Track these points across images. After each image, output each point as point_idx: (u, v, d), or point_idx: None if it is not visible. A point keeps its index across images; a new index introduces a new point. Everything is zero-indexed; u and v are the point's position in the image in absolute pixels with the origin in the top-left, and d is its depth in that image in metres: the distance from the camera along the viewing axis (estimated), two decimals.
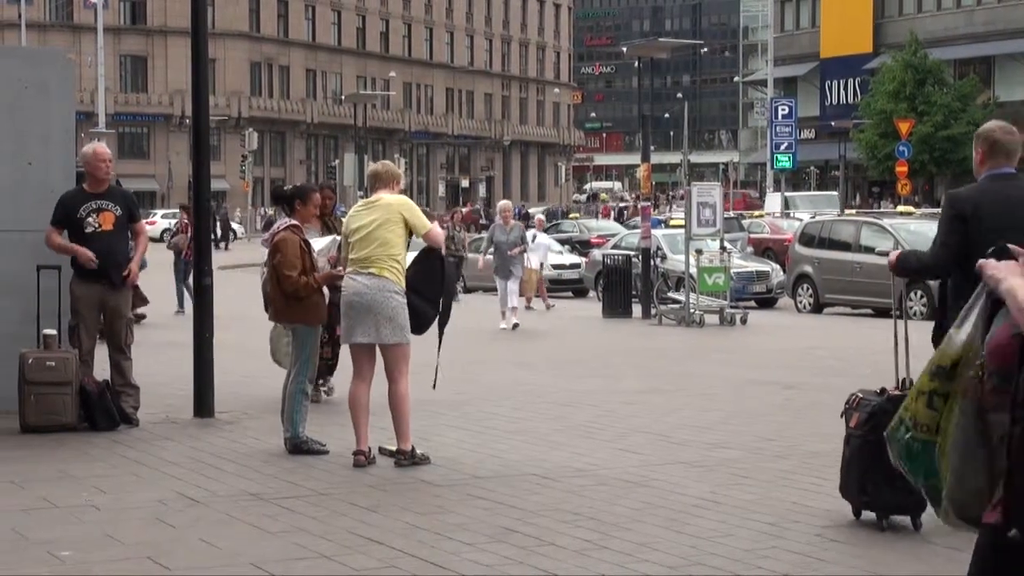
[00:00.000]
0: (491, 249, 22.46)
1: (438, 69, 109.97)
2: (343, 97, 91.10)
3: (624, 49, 48.80)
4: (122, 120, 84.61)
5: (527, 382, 14.43)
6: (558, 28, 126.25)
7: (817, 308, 25.76)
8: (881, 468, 6.50)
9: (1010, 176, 7.42)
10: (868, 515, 7.64)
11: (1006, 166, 7.43)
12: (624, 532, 7.36)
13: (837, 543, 7.13)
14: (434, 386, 9.78)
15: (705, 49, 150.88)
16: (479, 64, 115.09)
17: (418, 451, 9.39)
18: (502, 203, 23.39)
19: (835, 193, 57.95)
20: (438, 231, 9.52)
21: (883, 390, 8.18)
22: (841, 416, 8.28)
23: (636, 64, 39.48)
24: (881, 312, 24.91)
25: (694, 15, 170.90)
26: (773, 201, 54.88)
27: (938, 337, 6.94)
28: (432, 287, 9.36)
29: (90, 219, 10.80)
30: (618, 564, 6.71)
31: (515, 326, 20.88)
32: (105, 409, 10.68)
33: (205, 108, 11.82)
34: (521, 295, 22.44)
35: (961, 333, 3.48)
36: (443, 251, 9.60)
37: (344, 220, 9.79)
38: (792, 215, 39.41)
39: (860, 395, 8.22)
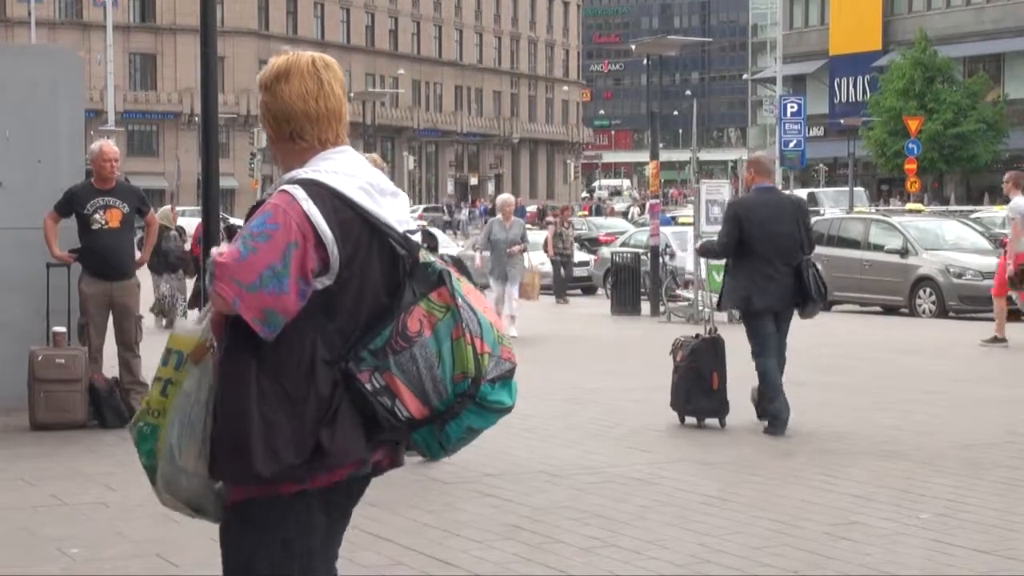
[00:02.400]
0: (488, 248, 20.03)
1: (447, 67, 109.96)
2: (352, 94, 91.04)
3: (633, 46, 48.80)
4: (131, 118, 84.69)
5: (536, 379, 14.42)
6: (567, 25, 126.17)
7: (826, 306, 25.72)
8: (698, 386, 10.97)
9: (770, 189, 11.21)
10: (690, 420, 11.06)
11: (767, 182, 11.20)
12: (632, 530, 7.36)
13: (846, 541, 7.13)
14: None
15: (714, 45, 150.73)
16: (488, 62, 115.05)
17: None
18: (502, 197, 20.90)
19: (862, 189, 57.66)
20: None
21: (698, 335, 11.32)
22: (669, 354, 11.40)
23: (645, 61, 39.45)
24: (890, 310, 24.90)
25: (703, 12, 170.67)
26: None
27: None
28: None
29: (97, 215, 10.82)
30: (626, 562, 6.71)
31: (512, 336, 18.88)
32: (115, 406, 10.70)
33: (214, 106, 11.81)
34: (523, 297, 19.89)
35: (193, 321, 3.56)
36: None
37: None
38: (822, 212, 39.12)
39: (682, 338, 11.43)
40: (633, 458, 9.59)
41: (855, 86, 74.21)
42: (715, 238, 11.73)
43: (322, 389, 3.25)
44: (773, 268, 10.78)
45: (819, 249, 26.06)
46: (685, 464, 9.36)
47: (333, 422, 3.26)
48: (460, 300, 3.29)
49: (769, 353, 10.85)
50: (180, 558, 6.76)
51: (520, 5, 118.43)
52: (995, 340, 17.71)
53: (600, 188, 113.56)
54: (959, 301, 23.60)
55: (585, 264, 31.84)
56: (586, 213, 66.46)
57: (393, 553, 6.86)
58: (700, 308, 21.58)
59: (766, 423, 10.87)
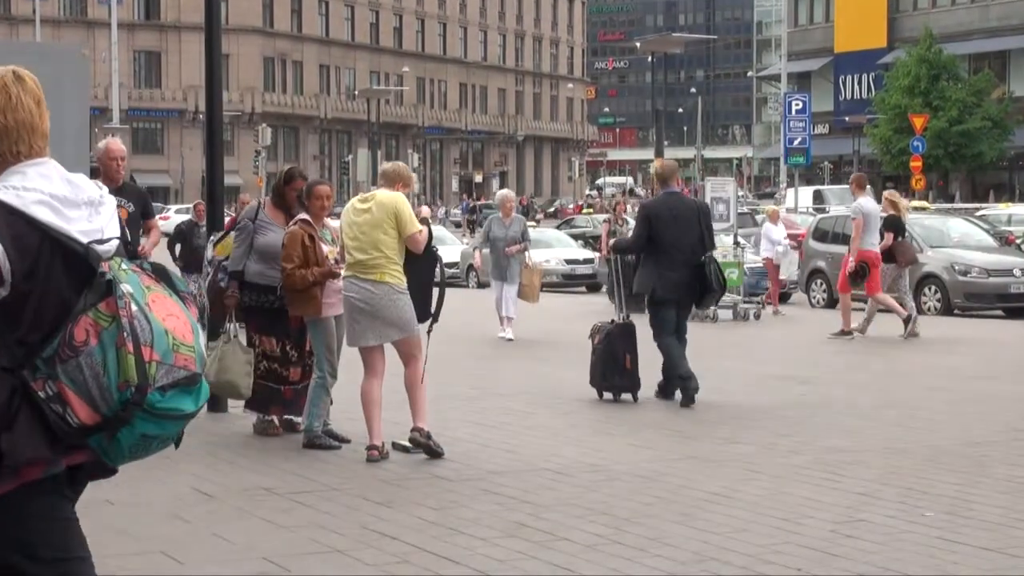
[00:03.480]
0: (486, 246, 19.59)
1: (451, 64, 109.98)
2: (356, 92, 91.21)
3: (638, 44, 48.84)
4: (136, 116, 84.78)
5: (540, 377, 14.43)
6: (571, 23, 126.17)
7: (831, 303, 25.69)
8: (613, 365, 12.26)
9: (676, 193, 12.70)
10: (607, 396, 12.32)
11: (673, 186, 12.67)
12: (637, 527, 7.36)
13: (851, 539, 7.12)
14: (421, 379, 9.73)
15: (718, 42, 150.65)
16: (492, 59, 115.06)
17: (432, 441, 9.45)
18: (502, 192, 19.85)
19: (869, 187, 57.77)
20: (420, 237, 9.46)
21: (612, 321, 12.78)
22: (588, 338, 12.64)
23: (650, 59, 39.44)
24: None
25: (708, 10, 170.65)
26: (800, 195, 54.33)
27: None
28: (421, 294, 9.42)
29: None
30: (631, 559, 6.71)
31: (509, 339, 18.24)
32: None
33: (219, 103, 11.84)
34: (522, 299, 18.70)
35: None
36: (423, 250, 9.51)
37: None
38: (828, 210, 39.05)
39: (599, 324, 12.74)
40: (638, 455, 9.59)
41: (860, 83, 74.14)
42: (627, 237, 13.42)
43: (1, 395, 3.33)
44: (676, 263, 12.19)
45: (822, 246, 26.17)
46: (690, 462, 9.35)
47: (11, 427, 3.35)
48: (131, 309, 3.33)
49: (668, 333, 12.30)
50: (184, 555, 6.77)
51: (525, 2, 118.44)
52: (842, 333, 18.50)
53: (606, 185, 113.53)
54: (964, 299, 23.59)
55: (590, 262, 31.86)
56: (591, 211, 66.41)
57: (398, 550, 6.86)
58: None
59: (680, 399, 12.06)
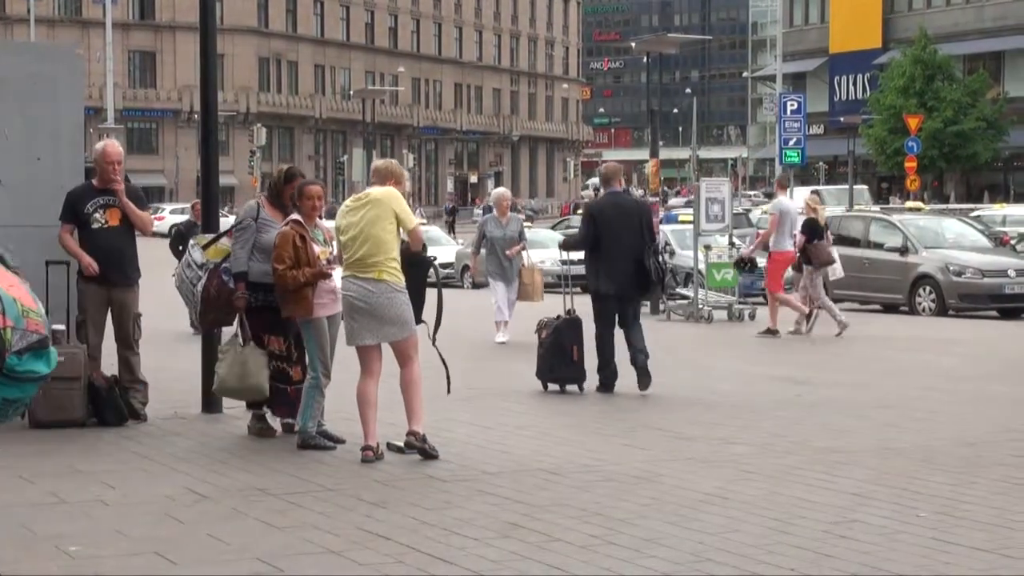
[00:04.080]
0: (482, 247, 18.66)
1: (447, 64, 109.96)
2: (352, 92, 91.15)
3: (633, 44, 48.88)
4: (131, 116, 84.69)
5: (533, 377, 14.42)
6: (567, 23, 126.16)
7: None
8: (560, 358, 12.90)
9: (619, 193, 13.42)
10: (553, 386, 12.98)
11: (616, 187, 13.34)
12: (631, 528, 7.37)
13: (844, 539, 7.13)
14: (448, 391, 9.83)
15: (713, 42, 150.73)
16: (488, 59, 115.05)
17: (427, 445, 9.45)
18: (498, 191, 19.19)
19: (864, 187, 57.47)
20: (420, 232, 9.52)
21: (558, 315, 13.25)
22: (535, 332, 13.28)
23: (645, 59, 39.47)
24: (890, 308, 24.90)
25: (703, 10, 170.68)
26: (795, 196, 54.35)
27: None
28: (417, 298, 9.47)
29: (96, 215, 10.79)
30: (625, 560, 6.72)
31: (501, 343, 17.77)
32: (114, 405, 10.69)
33: (214, 104, 11.82)
34: (524, 299, 18.10)
35: None
36: (423, 250, 9.58)
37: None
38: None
39: (546, 319, 13.32)
40: (632, 456, 9.59)
41: (855, 84, 74.18)
42: (574, 234, 14.32)
43: None
44: (619, 259, 12.89)
45: None
46: (684, 462, 9.36)
47: None
48: None
49: (607, 326, 13.04)
50: (179, 556, 6.76)
51: (520, 2, 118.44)
52: (768, 332, 18.91)
53: (593, 185, 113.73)
54: (959, 299, 23.62)
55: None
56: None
57: (392, 551, 6.86)
58: (700, 306, 21.59)
59: (598, 385, 12.99)
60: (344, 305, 9.42)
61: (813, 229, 19.21)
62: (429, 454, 9.29)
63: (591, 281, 13.17)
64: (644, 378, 12.78)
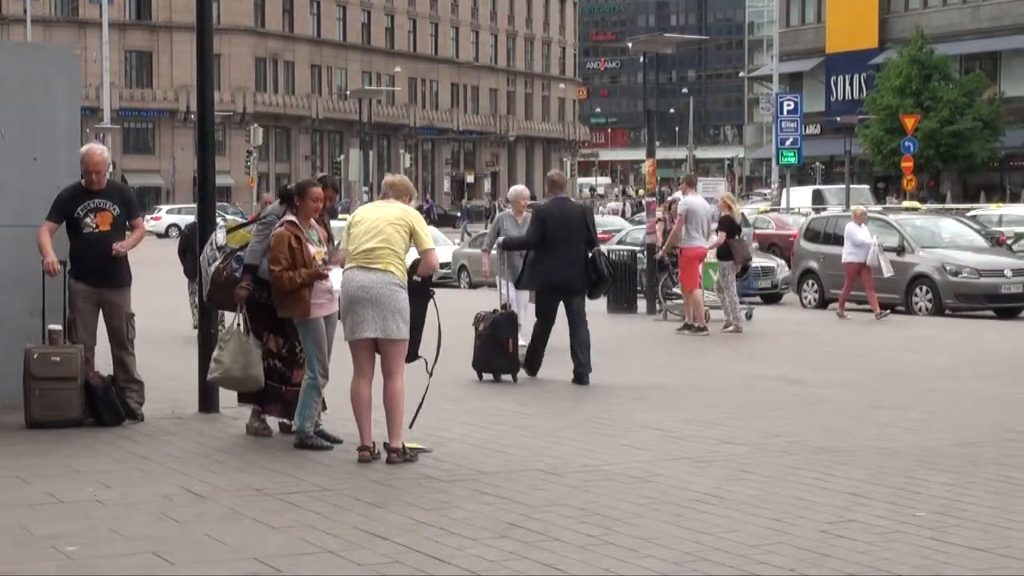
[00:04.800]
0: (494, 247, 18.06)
1: (443, 64, 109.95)
2: (348, 92, 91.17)
3: (629, 44, 48.80)
4: (127, 115, 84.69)
5: (532, 377, 14.42)
6: (563, 23, 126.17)
7: (822, 303, 25.76)
8: (496, 350, 13.74)
9: (564, 199, 14.54)
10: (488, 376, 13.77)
11: (561, 194, 14.62)
12: (629, 527, 7.36)
13: (842, 539, 7.13)
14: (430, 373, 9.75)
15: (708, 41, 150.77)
16: (484, 59, 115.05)
17: (423, 445, 9.44)
18: (515, 189, 18.23)
19: (866, 187, 57.20)
20: (436, 256, 9.55)
21: (495, 310, 14.07)
22: (472, 325, 13.97)
23: (641, 59, 39.44)
24: (886, 307, 24.88)
25: (699, 10, 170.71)
26: (796, 196, 54.00)
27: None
28: (415, 332, 9.50)
29: (88, 219, 10.73)
30: (622, 559, 6.72)
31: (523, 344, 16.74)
32: (110, 404, 10.68)
33: (210, 104, 11.81)
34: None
35: None
36: (435, 277, 9.63)
37: (351, 214, 9.77)
38: (827, 210, 38.80)
39: (483, 312, 14.09)
40: (630, 456, 9.59)
41: (851, 84, 74.17)
42: (513, 236, 15.43)
43: None
44: (564, 259, 13.86)
45: (814, 247, 26.17)
46: (681, 462, 9.36)
47: None
48: None
49: (547, 320, 14.01)
50: (176, 556, 6.76)
51: (516, 3, 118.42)
52: (687, 328, 19.46)
53: (588, 187, 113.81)
54: (955, 299, 23.63)
55: None
56: None
57: (390, 551, 6.86)
58: None
59: (526, 370, 13.97)
60: (345, 298, 9.35)
61: (730, 226, 19.90)
62: (411, 460, 9.25)
63: (536, 279, 14.21)
64: (580, 382, 13.70)
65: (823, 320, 23.02)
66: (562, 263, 13.86)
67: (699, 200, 20.01)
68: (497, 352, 13.82)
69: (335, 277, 9.73)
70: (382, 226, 9.34)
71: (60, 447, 9.81)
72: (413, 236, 9.36)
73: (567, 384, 13.80)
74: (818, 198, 52.14)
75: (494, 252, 17.47)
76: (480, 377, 13.81)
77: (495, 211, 76.15)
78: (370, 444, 9.29)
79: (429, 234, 9.54)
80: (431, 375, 9.60)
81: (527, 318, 17.21)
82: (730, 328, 19.78)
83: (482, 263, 18.50)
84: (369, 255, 9.31)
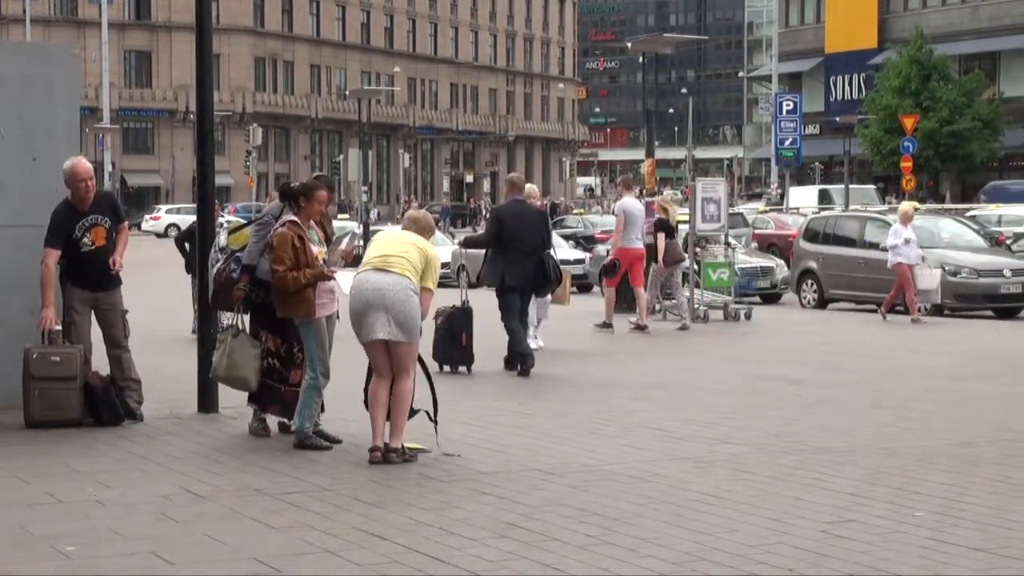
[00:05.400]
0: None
1: (442, 64, 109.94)
2: (347, 92, 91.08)
3: (629, 44, 48.81)
4: (126, 115, 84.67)
5: (531, 377, 14.43)
6: (563, 23, 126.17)
7: (821, 304, 25.76)
8: (452, 343, 14.38)
9: (521, 201, 15.08)
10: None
11: (519, 196, 15.09)
12: (628, 527, 7.36)
13: (841, 539, 7.13)
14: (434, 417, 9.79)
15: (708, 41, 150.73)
16: (483, 59, 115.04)
17: (422, 446, 9.44)
18: (526, 188, 17.13)
19: (872, 187, 56.91)
20: (431, 300, 9.56)
21: (455, 305, 14.59)
22: (432, 319, 13.92)
23: (641, 59, 39.49)
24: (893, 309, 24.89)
25: (699, 10, 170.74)
26: (801, 196, 53.76)
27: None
28: None
29: (85, 239, 10.74)
30: (621, 559, 6.72)
31: (539, 346, 16.47)
32: (110, 404, 10.68)
33: (209, 103, 11.81)
34: (553, 302, 17.34)
35: None
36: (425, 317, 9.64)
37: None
38: (835, 210, 38.60)
39: (441, 308, 14.33)
40: (629, 455, 9.59)
41: (851, 84, 74.18)
42: (472, 236, 15.82)
43: None
44: (521, 258, 14.67)
45: (814, 247, 26.16)
46: (681, 462, 9.36)
47: None
48: None
49: (514, 317, 14.65)
50: (175, 556, 6.76)
51: (516, 2, 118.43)
52: (604, 326, 19.67)
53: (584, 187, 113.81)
54: (954, 299, 23.62)
55: (580, 262, 31.85)
56: (583, 211, 66.40)
57: (389, 551, 6.86)
58: (696, 306, 21.58)
59: (517, 370, 14.40)
60: (358, 300, 9.29)
61: (665, 228, 20.36)
62: (410, 460, 9.25)
63: (495, 277, 14.93)
64: (523, 372, 14.39)
65: (822, 320, 23.02)
66: (517, 263, 14.67)
67: (634, 202, 20.35)
68: (453, 345, 14.47)
69: (344, 282, 9.72)
70: (403, 241, 9.48)
71: (59, 447, 9.81)
72: (424, 268, 9.38)
73: (566, 384, 13.81)
74: (825, 198, 51.73)
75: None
76: (441, 368, 14.22)
77: (481, 212, 76.20)
78: (381, 445, 9.26)
79: (436, 275, 9.57)
80: (437, 424, 9.62)
81: (547, 315, 17.48)
82: (633, 326, 19.85)
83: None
84: (386, 260, 9.34)
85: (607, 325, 19.65)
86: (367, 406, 9.49)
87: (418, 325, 9.30)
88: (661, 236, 20.57)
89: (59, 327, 10.71)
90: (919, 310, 21.98)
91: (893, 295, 22.32)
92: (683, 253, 21.13)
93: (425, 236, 9.70)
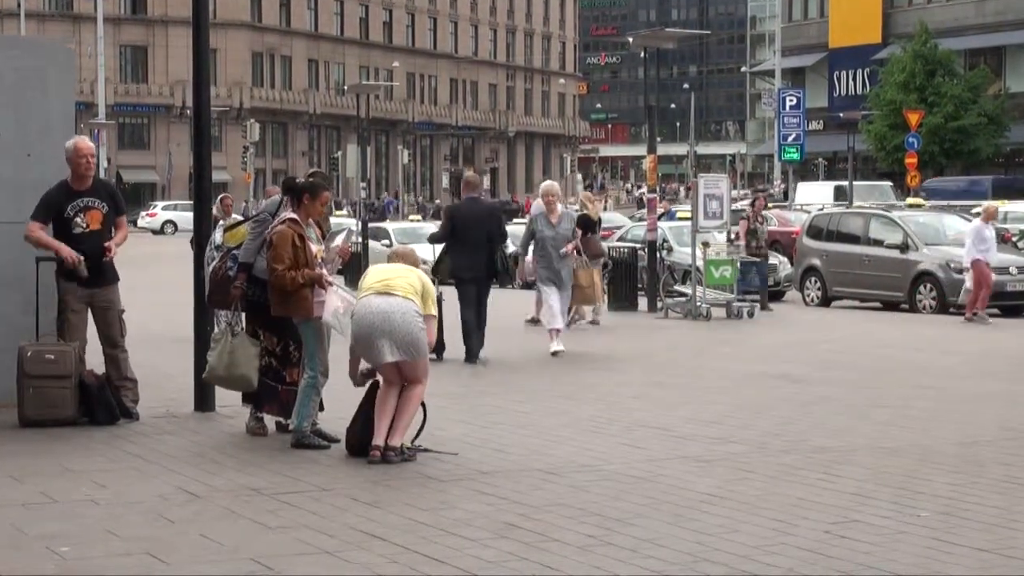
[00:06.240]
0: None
1: (442, 59, 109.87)
2: (346, 87, 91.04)
3: (630, 39, 48.68)
4: (122, 111, 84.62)
5: (531, 375, 14.43)
6: (563, 18, 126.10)
7: (825, 301, 25.77)
8: None
9: (475, 199, 16.18)
10: None
11: (473, 194, 16.19)
12: (629, 528, 7.36)
13: (845, 539, 7.13)
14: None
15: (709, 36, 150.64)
16: (483, 54, 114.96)
17: (416, 443, 9.45)
18: (545, 184, 17.70)
19: (887, 184, 56.40)
20: (433, 327, 9.59)
21: None
22: None
23: (642, 54, 39.43)
24: (890, 305, 24.92)
25: (701, 5, 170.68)
26: (813, 192, 53.20)
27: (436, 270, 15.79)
28: None
29: (78, 219, 10.68)
30: (622, 560, 6.72)
31: (555, 353, 16.28)
32: (105, 403, 10.68)
33: (206, 99, 11.81)
34: (583, 303, 18.00)
35: None
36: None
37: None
38: (849, 207, 38.35)
39: None
40: (630, 455, 9.59)
41: (855, 79, 74.16)
42: (435, 232, 17.01)
43: None
44: (473, 252, 15.56)
45: (818, 244, 26.16)
46: (682, 461, 9.36)
47: None
48: None
49: (469, 307, 15.64)
50: (171, 556, 6.76)
51: None
52: (535, 321, 19.70)
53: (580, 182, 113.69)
54: (960, 297, 23.60)
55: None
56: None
57: (387, 552, 6.86)
58: (698, 304, 21.59)
59: (464, 358, 15.41)
60: (361, 326, 9.25)
61: (586, 224, 20.30)
62: (409, 460, 9.26)
63: (450, 270, 15.84)
64: (471, 358, 15.50)
65: (825, 318, 23.01)
66: (469, 256, 15.57)
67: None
68: None
69: (332, 298, 9.68)
70: (398, 267, 9.57)
71: (54, 446, 9.81)
72: (423, 295, 9.39)
73: (566, 382, 13.81)
74: (841, 195, 50.94)
75: (530, 255, 17.35)
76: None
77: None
78: (382, 444, 9.24)
79: (434, 303, 9.59)
80: (414, 440, 9.62)
81: (564, 321, 17.20)
82: (582, 321, 20.15)
83: (523, 265, 19.04)
84: (388, 284, 9.36)
85: (537, 321, 19.69)
86: (348, 446, 9.49)
87: (424, 345, 9.30)
88: (578, 232, 19.85)
89: (82, 262, 10.56)
90: (974, 313, 21.72)
91: (975, 294, 21.96)
92: (602, 249, 21.65)
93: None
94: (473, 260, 15.62)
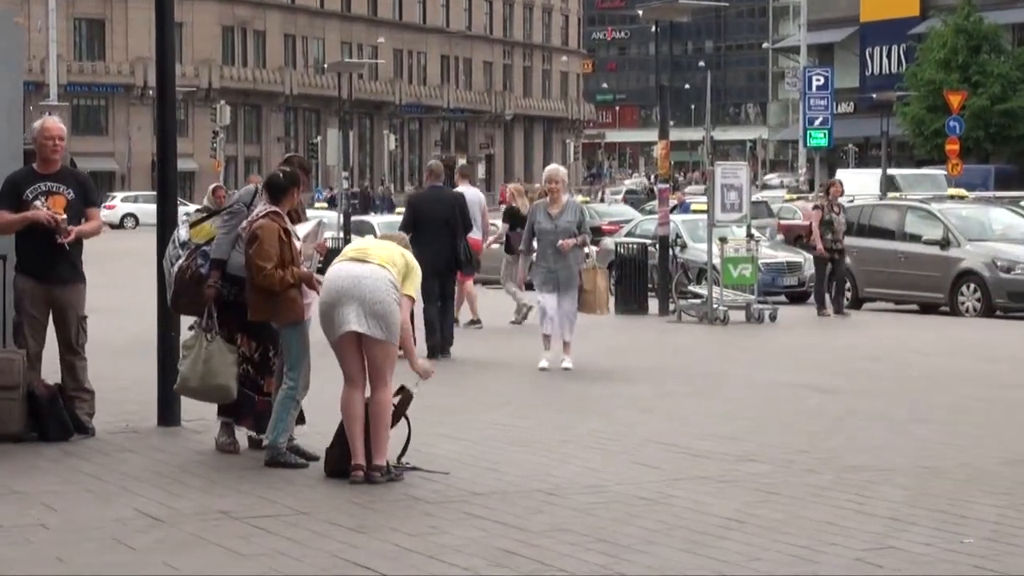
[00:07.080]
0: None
1: (432, 34, 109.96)
2: (326, 66, 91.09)
3: (640, 12, 48.73)
4: (76, 91, 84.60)
5: (530, 386, 14.43)
6: None
7: (856, 303, 25.75)
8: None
9: (439, 187, 17.45)
10: None
11: (437, 182, 17.45)
12: (639, 556, 7.36)
13: (880, 569, 7.13)
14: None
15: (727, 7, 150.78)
16: (478, 29, 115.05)
17: (403, 461, 9.45)
18: (550, 169, 16.69)
19: (941, 172, 55.61)
20: (408, 305, 9.53)
21: None
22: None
23: (653, 29, 39.44)
24: (928, 307, 24.91)
25: None
26: (856, 181, 52.22)
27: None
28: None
29: (37, 203, 10.67)
30: None
31: (565, 368, 15.59)
32: (57, 416, 10.65)
33: (171, 78, 11.81)
34: (586, 311, 16.19)
35: None
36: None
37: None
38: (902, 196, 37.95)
39: None
40: (640, 475, 9.59)
41: (889, 56, 74.24)
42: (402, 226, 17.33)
43: None
44: (435, 242, 16.28)
45: (848, 239, 26.12)
46: (698, 482, 9.36)
47: None
48: None
49: (431, 302, 16.21)
50: None
51: None
52: (473, 323, 20.41)
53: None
54: (1007, 298, 23.60)
55: (586, 256, 31.75)
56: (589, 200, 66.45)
57: None
58: (715, 306, 21.57)
59: (428, 352, 15.64)
60: (331, 291, 9.25)
61: (513, 218, 21.09)
62: (395, 479, 9.25)
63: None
64: (443, 354, 16.40)
65: (856, 321, 23.00)
66: (431, 247, 15.90)
67: (474, 191, 21.01)
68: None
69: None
70: (384, 242, 9.72)
71: None
72: (406, 274, 9.38)
73: (567, 394, 13.81)
74: (891, 185, 49.77)
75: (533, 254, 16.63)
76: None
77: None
78: (363, 463, 9.21)
79: (418, 286, 9.62)
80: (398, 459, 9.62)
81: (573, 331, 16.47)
82: (513, 320, 20.94)
83: (524, 265, 18.44)
84: (365, 252, 9.37)
85: (476, 322, 20.50)
86: (327, 469, 9.46)
87: (397, 322, 9.20)
88: (505, 226, 21.50)
89: (61, 215, 10.54)
90: None
91: None
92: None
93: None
94: (437, 250, 16.15)
